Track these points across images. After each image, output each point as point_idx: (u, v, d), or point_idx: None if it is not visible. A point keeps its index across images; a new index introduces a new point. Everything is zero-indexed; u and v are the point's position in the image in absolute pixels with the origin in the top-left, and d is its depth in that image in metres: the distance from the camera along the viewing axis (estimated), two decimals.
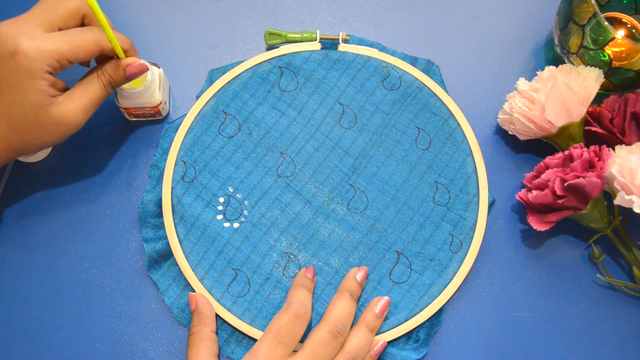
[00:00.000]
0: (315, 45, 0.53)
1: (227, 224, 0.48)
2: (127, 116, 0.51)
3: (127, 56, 0.44)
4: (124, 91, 0.47)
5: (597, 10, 0.45)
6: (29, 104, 0.40)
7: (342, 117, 0.51)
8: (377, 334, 0.46)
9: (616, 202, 0.45)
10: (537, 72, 0.49)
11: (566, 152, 0.47)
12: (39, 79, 0.40)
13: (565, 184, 0.44)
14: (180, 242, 0.48)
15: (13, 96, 0.40)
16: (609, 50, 0.48)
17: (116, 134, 0.52)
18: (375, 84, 0.52)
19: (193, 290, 0.47)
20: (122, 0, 0.56)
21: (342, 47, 0.53)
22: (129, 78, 0.44)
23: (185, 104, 0.54)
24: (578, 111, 0.48)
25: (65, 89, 0.43)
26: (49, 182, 0.51)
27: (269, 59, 0.52)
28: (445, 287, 0.47)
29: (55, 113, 0.41)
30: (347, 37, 0.53)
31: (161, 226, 0.49)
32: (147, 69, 0.45)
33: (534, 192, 0.46)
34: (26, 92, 0.40)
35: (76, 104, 0.42)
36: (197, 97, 0.53)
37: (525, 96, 0.48)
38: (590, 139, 0.50)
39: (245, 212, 0.49)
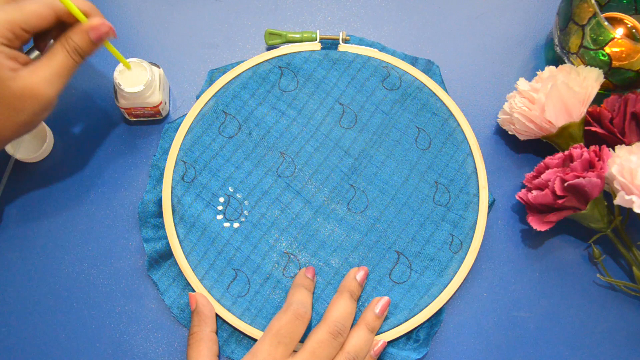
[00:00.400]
0: (315, 45, 0.53)
1: (227, 224, 0.48)
2: (127, 116, 0.51)
3: (91, 18, 0.41)
4: (124, 91, 0.47)
5: (597, 10, 0.45)
6: None
7: (342, 117, 0.51)
8: (377, 334, 0.46)
9: (616, 202, 0.45)
10: (537, 72, 0.49)
11: (566, 152, 0.47)
12: None
13: (565, 184, 0.44)
14: (180, 242, 0.48)
15: None
16: (609, 50, 0.48)
17: (116, 133, 0.52)
18: (375, 84, 0.52)
19: (193, 290, 0.47)
20: (122, 0, 0.57)
21: (342, 47, 0.53)
22: (95, 43, 0.40)
23: (185, 104, 0.54)
24: (578, 111, 0.48)
25: (28, 64, 0.40)
26: (49, 182, 0.51)
27: (269, 59, 0.52)
28: (445, 287, 0.47)
29: (16, 87, 0.38)
30: (347, 37, 0.53)
31: (161, 226, 0.49)
32: (112, 30, 0.41)
33: (534, 192, 0.46)
34: None
35: (40, 76, 0.39)
36: (197, 97, 0.53)
37: (525, 96, 0.48)
38: (590, 139, 0.50)
39: (245, 212, 0.49)
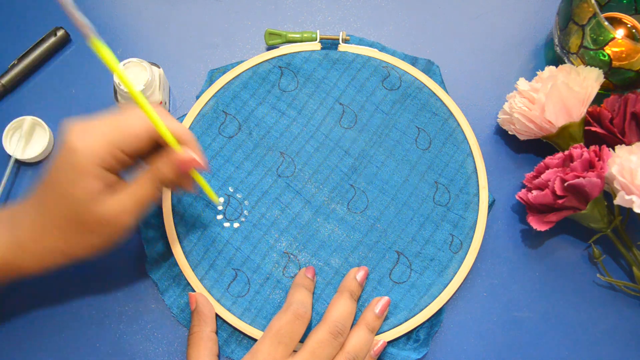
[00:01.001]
0: (315, 45, 0.53)
1: (227, 224, 0.48)
2: None
3: (184, 148, 0.39)
4: (124, 91, 0.47)
5: (597, 10, 0.45)
6: (72, 200, 0.37)
7: (342, 117, 0.51)
8: (377, 334, 0.46)
9: (616, 202, 0.45)
10: (537, 72, 0.49)
11: (566, 152, 0.47)
12: (87, 175, 0.36)
13: (565, 184, 0.44)
14: (180, 242, 0.48)
15: (60, 191, 0.37)
16: (609, 50, 0.48)
17: None
18: (375, 84, 0.52)
19: (193, 290, 0.47)
20: (122, 0, 0.57)
21: (342, 47, 0.53)
22: (181, 175, 0.39)
23: (185, 104, 0.54)
24: (578, 111, 0.48)
25: (117, 187, 0.39)
26: None
27: (269, 59, 0.52)
28: (445, 287, 0.47)
29: (98, 213, 0.37)
30: (347, 37, 0.53)
31: (161, 226, 0.49)
32: (202, 165, 0.39)
33: (534, 192, 0.46)
34: (72, 187, 0.37)
35: (122, 205, 0.38)
36: (197, 97, 0.53)
37: (525, 96, 0.48)
38: (590, 139, 0.50)
39: (245, 212, 0.49)
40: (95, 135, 0.36)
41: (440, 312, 0.47)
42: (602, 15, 0.45)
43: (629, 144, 0.48)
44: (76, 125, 0.37)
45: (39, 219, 0.39)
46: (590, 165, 0.45)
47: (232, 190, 0.49)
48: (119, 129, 0.37)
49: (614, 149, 0.47)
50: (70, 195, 0.37)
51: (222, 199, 0.49)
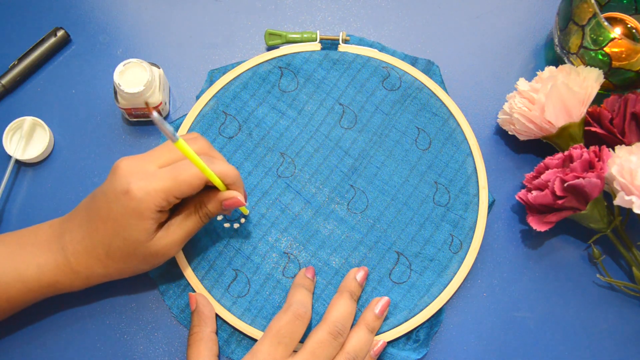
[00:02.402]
0: (315, 46, 0.53)
1: (227, 225, 0.48)
2: (127, 116, 0.51)
3: (230, 188, 0.43)
4: (124, 92, 0.47)
5: (597, 10, 0.45)
6: (130, 239, 0.41)
7: (342, 117, 0.51)
8: (377, 334, 0.46)
9: (616, 202, 0.45)
10: (537, 73, 0.49)
11: (566, 153, 0.47)
12: (146, 219, 0.40)
13: (565, 185, 0.44)
14: None
15: (117, 230, 0.40)
16: (609, 50, 0.48)
17: (116, 134, 0.52)
18: (375, 84, 0.52)
19: (193, 291, 0.47)
20: (122, 0, 0.57)
21: (342, 47, 0.53)
22: (224, 210, 0.43)
23: (185, 105, 0.54)
24: (578, 111, 0.48)
25: (166, 219, 0.43)
26: (49, 182, 0.51)
27: (269, 60, 0.52)
28: (445, 288, 0.47)
29: (153, 248, 0.42)
30: (347, 37, 0.53)
31: None
32: (244, 204, 0.43)
33: (534, 193, 0.46)
34: (130, 230, 0.40)
35: (173, 238, 0.42)
36: (197, 98, 0.53)
37: (525, 96, 0.48)
38: (590, 139, 0.50)
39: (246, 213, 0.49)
40: (155, 185, 0.40)
41: (440, 312, 0.47)
42: (602, 15, 0.45)
43: (628, 144, 0.48)
44: (134, 169, 0.40)
45: (94, 250, 0.42)
46: (590, 166, 0.45)
47: None
48: (176, 180, 0.40)
49: (613, 150, 0.47)
50: (128, 236, 0.41)
51: None
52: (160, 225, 0.42)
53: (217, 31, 0.56)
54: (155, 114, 0.30)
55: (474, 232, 0.49)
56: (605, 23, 0.45)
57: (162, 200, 0.40)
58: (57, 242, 0.43)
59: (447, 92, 0.53)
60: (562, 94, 0.46)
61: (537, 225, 0.47)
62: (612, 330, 0.49)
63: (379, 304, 0.45)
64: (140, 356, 0.47)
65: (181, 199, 0.41)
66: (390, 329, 0.46)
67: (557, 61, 0.55)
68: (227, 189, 0.43)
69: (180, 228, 0.43)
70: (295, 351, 0.42)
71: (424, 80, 0.52)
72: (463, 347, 0.48)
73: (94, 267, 0.42)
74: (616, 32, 0.45)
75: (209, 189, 0.43)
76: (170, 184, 0.40)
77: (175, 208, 0.43)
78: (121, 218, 0.40)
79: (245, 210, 0.48)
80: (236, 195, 0.43)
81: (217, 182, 0.41)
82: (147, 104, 0.31)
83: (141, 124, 0.53)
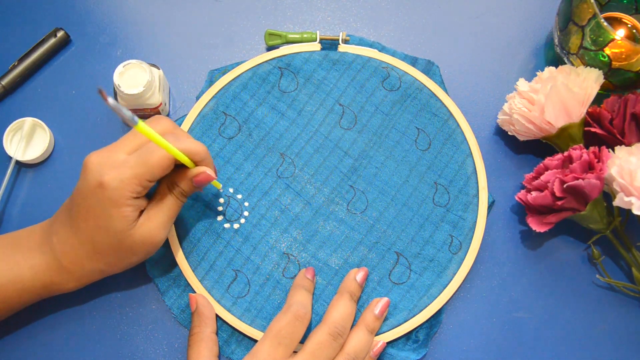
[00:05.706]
0: (315, 46, 0.53)
1: (227, 225, 0.48)
2: None
3: (201, 164, 0.43)
4: (123, 93, 0.47)
5: (597, 11, 0.45)
6: (113, 230, 0.41)
7: (342, 117, 0.51)
8: (377, 334, 0.46)
9: (615, 203, 0.45)
10: (537, 73, 0.49)
11: (565, 153, 0.47)
12: (123, 206, 0.40)
13: (565, 185, 0.44)
14: (180, 243, 0.48)
15: (98, 223, 0.41)
16: (609, 51, 0.48)
17: (116, 134, 0.52)
18: (375, 84, 0.52)
19: (193, 291, 0.47)
20: (122, 1, 0.56)
21: (342, 47, 0.53)
22: (197, 187, 0.43)
23: (185, 105, 0.54)
24: (578, 112, 0.48)
25: (145, 206, 0.43)
26: (49, 183, 0.51)
27: (269, 60, 0.52)
28: (444, 288, 0.47)
29: (137, 236, 0.42)
30: (347, 38, 0.53)
31: None
32: (214, 178, 0.43)
33: (534, 193, 0.46)
34: (111, 221, 0.40)
35: (156, 223, 0.42)
36: (197, 98, 0.53)
37: (525, 97, 0.48)
38: (590, 139, 0.50)
39: (246, 213, 0.49)
40: (127, 172, 0.40)
41: (439, 312, 0.47)
42: (602, 15, 0.45)
43: (628, 144, 0.48)
44: (103, 161, 0.40)
45: (81, 248, 0.42)
46: (589, 167, 0.45)
47: (232, 191, 0.49)
48: (146, 164, 0.40)
49: (613, 150, 0.47)
50: (110, 227, 0.41)
51: (222, 200, 0.49)
52: (141, 213, 0.42)
53: (217, 31, 0.56)
54: (110, 99, 0.29)
55: (473, 232, 0.49)
56: (605, 24, 0.45)
57: (136, 185, 0.40)
58: (47, 244, 0.43)
59: (447, 93, 0.53)
60: (562, 95, 0.46)
61: (536, 226, 0.47)
62: (611, 331, 0.49)
63: (378, 304, 0.45)
64: (141, 356, 0.47)
65: (155, 181, 0.42)
66: (389, 330, 0.46)
67: (557, 61, 0.55)
68: (198, 165, 0.43)
69: (160, 210, 0.43)
70: (295, 352, 0.42)
71: (423, 81, 0.52)
72: (462, 347, 0.48)
73: (85, 264, 0.42)
74: (618, 34, 0.45)
75: (179, 168, 0.43)
76: (141, 168, 0.40)
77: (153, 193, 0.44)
78: (100, 211, 0.40)
79: (217, 184, 0.48)
80: (205, 169, 0.43)
81: (185, 159, 0.41)
82: (100, 90, 0.30)
83: None
